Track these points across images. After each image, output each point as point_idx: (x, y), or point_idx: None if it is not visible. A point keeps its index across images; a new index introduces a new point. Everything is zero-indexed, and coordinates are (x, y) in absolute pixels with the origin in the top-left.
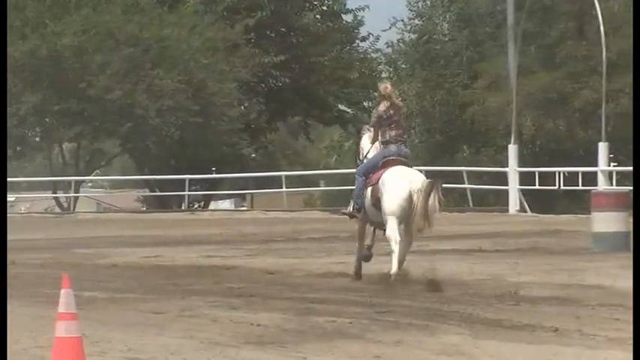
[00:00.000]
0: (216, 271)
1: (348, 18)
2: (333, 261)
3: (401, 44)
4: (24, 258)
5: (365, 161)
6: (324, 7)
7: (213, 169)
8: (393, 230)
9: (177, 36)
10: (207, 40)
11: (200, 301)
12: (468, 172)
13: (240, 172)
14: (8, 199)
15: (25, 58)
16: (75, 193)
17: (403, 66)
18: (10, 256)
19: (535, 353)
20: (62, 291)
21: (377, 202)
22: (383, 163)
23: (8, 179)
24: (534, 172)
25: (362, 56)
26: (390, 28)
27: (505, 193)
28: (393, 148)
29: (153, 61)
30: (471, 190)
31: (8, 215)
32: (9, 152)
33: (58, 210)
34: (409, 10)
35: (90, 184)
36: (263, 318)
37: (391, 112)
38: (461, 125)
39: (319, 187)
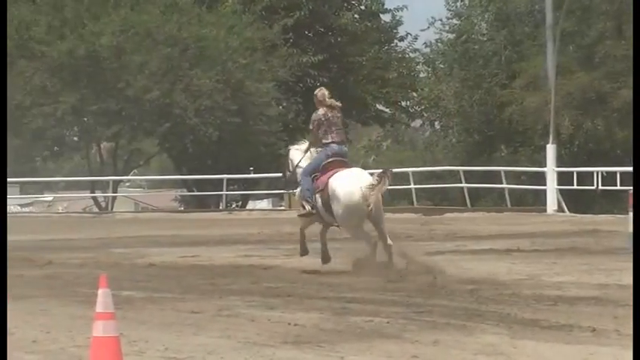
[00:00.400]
0: (254, 270)
1: (386, 18)
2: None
3: (439, 44)
4: (62, 258)
5: (305, 165)
6: (363, 7)
7: (251, 168)
8: (360, 234)
9: (216, 36)
10: (245, 40)
11: (238, 301)
12: (505, 172)
13: (277, 172)
14: (46, 198)
15: (63, 58)
16: (113, 192)
17: (441, 66)
18: (48, 256)
19: (572, 353)
20: (100, 290)
21: (328, 207)
22: (325, 165)
23: (47, 179)
24: (572, 172)
25: (400, 56)
26: (429, 27)
27: (543, 193)
28: (334, 147)
29: (191, 61)
30: (509, 190)
31: (47, 215)
32: (47, 152)
33: (95, 209)
34: (447, 9)
35: (128, 184)
36: (300, 318)
37: (329, 115)
38: (499, 125)
39: None
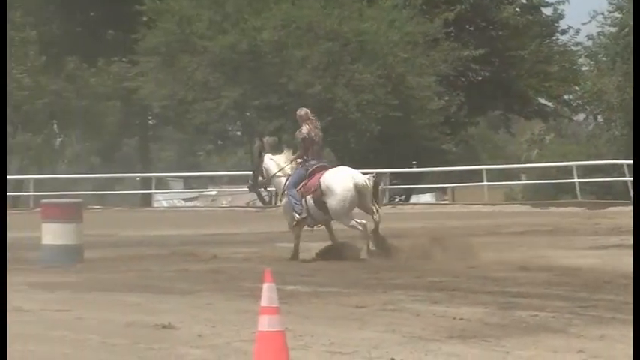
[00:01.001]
0: (418, 264)
1: (547, 11)
2: (535, 255)
3: (601, 37)
4: (227, 252)
5: (287, 180)
6: (524, 1)
7: (414, 162)
8: (354, 223)
9: (377, 30)
10: (406, 35)
11: (402, 295)
12: None
13: (440, 166)
14: (210, 192)
15: (225, 53)
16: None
17: (604, 59)
18: (212, 250)
19: None
20: (265, 285)
21: (320, 205)
22: (310, 172)
23: (210, 173)
24: None
25: (562, 49)
26: (590, 21)
27: None
28: (313, 162)
29: (352, 56)
30: None
31: (211, 209)
32: (210, 146)
33: (259, 204)
34: (609, 3)
35: None
36: (465, 312)
37: (312, 134)
38: None
39: (520, 180)
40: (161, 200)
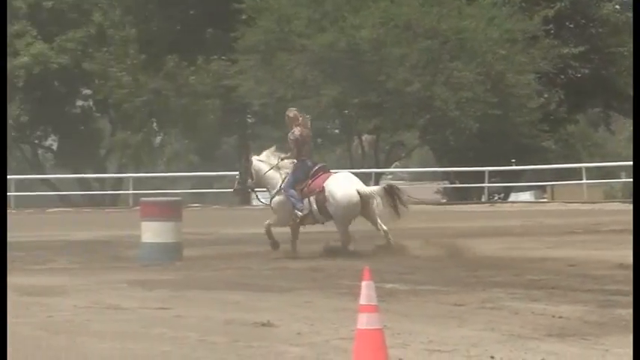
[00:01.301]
0: (517, 262)
1: None
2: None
3: None
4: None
5: (287, 178)
6: None
7: (513, 160)
8: (347, 231)
9: (475, 28)
10: (505, 32)
11: (501, 293)
12: None
13: (539, 164)
14: None
15: (323, 51)
16: (375, 185)
17: None
18: (309, 248)
19: None
20: (363, 283)
21: (323, 207)
22: (313, 173)
23: None
24: None
25: None
26: None
27: None
28: (309, 162)
29: (451, 53)
30: None
31: None
32: None
33: None
34: None
35: (390, 176)
36: (564, 310)
37: (304, 135)
38: None
39: (620, 178)
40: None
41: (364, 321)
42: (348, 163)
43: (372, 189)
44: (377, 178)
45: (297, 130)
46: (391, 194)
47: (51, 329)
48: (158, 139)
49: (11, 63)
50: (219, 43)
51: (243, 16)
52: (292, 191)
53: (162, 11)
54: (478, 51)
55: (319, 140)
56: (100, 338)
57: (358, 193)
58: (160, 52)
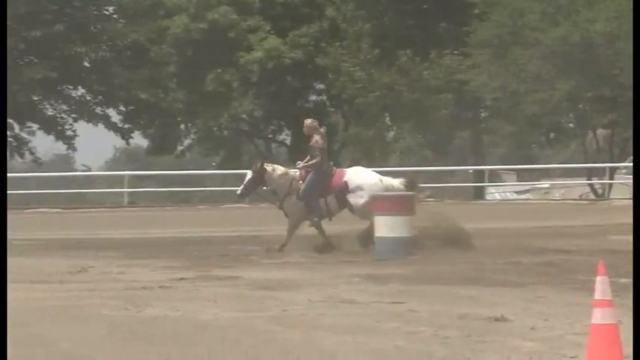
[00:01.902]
0: None
1: None
2: None
3: None
4: (558, 244)
5: (303, 186)
6: None
7: None
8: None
9: None
10: None
11: None
12: None
13: None
14: (543, 185)
15: (556, 44)
16: (609, 179)
17: None
18: (542, 243)
19: None
20: (598, 278)
21: (342, 202)
22: (328, 173)
23: (543, 165)
24: None
25: None
26: None
27: None
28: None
29: None
30: None
31: (544, 202)
32: (542, 139)
33: (592, 196)
34: None
35: (624, 171)
36: None
37: (324, 142)
38: None
39: None
40: (494, 193)
41: (599, 316)
42: (582, 157)
43: (394, 180)
44: (611, 173)
45: (320, 140)
46: (412, 189)
47: (285, 323)
48: (391, 133)
49: (245, 58)
50: (452, 37)
51: (476, 11)
52: (314, 201)
53: (395, 6)
54: None
55: (552, 135)
56: (333, 332)
57: (380, 180)
58: (393, 46)
